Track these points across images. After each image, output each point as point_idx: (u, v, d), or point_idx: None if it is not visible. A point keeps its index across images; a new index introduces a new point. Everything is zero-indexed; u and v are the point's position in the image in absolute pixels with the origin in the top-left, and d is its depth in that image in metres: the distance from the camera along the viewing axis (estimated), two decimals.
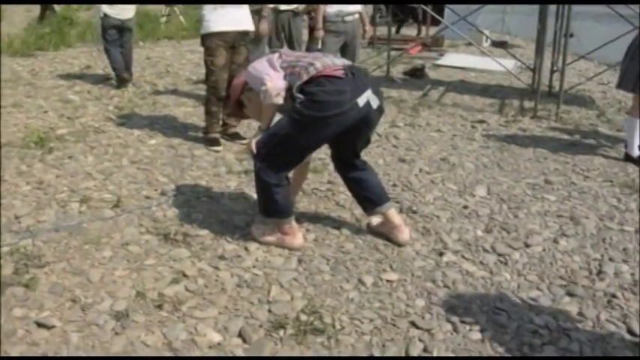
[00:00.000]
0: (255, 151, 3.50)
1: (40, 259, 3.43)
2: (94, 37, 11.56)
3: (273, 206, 3.58)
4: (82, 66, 9.83)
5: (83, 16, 15.41)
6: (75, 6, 17.03)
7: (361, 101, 3.33)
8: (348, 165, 3.77)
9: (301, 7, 7.22)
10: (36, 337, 2.79)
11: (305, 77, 3.30)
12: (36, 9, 16.14)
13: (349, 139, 3.56)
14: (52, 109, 6.80)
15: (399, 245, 3.64)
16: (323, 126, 3.34)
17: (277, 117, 3.55)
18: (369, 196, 3.76)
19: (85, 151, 5.33)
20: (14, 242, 3.65)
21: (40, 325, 2.88)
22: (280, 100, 3.37)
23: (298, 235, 3.65)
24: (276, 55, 3.54)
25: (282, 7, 7.09)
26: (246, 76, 3.62)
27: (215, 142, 5.49)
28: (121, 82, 8.09)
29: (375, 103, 3.42)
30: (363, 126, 3.48)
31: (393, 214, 3.78)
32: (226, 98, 4.30)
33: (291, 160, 3.57)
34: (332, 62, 3.41)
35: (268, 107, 3.47)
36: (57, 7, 15.50)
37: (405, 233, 3.72)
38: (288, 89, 3.35)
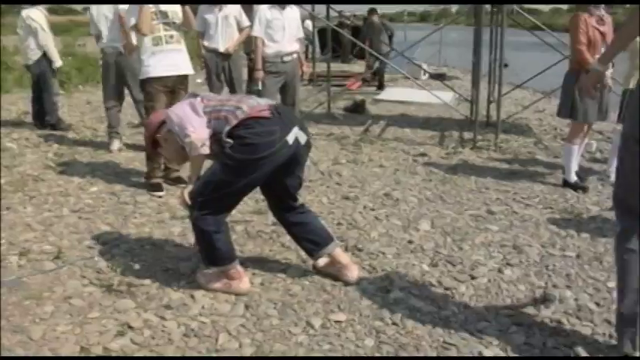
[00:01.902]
0: (189, 202, 3.48)
1: None
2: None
3: (216, 254, 3.55)
4: (20, 112, 9.63)
5: (19, 61, 15.15)
6: (11, 50, 16.74)
7: (290, 139, 3.37)
8: (287, 210, 3.76)
9: (233, 47, 7.25)
10: None
11: (234, 122, 3.31)
12: None
13: (280, 179, 3.55)
14: None
15: (348, 284, 3.64)
16: (256, 167, 3.35)
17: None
18: (312, 239, 3.76)
19: (24, 201, 5.20)
20: None
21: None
22: (207, 150, 3.37)
23: (244, 279, 3.62)
24: (198, 99, 3.52)
25: (221, 48, 7.13)
26: (166, 119, 3.55)
27: (157, 188, 5.43)
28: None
29: (302, 139, 3.47)
30: (293, 163, 3.50)
31: (339, 253, 3.80)
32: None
33: (229, 203, 3.55)
34: (257, 103, 3.43)
35: (195, 158, 3.47)
36: None
37: (353, 272, 3.73)
38: (213, 135, 3.36)
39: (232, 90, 7.28)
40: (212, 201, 3.43)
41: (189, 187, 3.51)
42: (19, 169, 6.18)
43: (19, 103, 10.54)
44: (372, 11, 13.01)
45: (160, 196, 5.34)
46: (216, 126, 3.36)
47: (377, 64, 12.58)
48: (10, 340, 3.12)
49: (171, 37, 5.36)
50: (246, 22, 7.23)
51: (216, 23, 7.12)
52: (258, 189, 3.71)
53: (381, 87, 12.52)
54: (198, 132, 3.33)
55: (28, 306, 3.46)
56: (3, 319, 3.32)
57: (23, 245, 4.29)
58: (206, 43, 7.30)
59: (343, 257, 3.80)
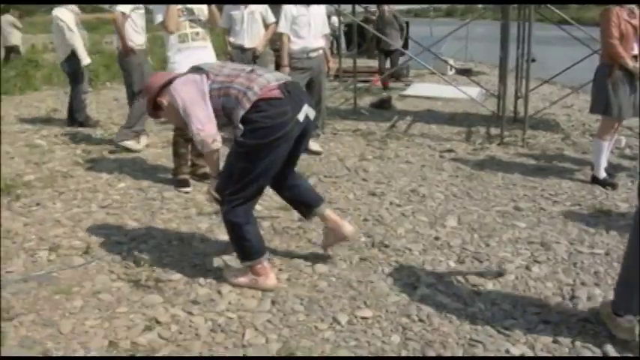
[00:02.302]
0: (218, 197, 3.52)
1: (9, 312, 3.37)
2: (61, 80, 11.52)
3: (247, 247, 3.57)
4: (49, 109, 9.76)
5: (49, 58, 15.36)
6: (40, 48, 17.01)
7: (301, 116, 3.41)
8: (285, 176, 3.78)
9: (262, 45, 7.29)
10: None
11: (247, 105, 3.30)
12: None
13: (290, 154, 3.56)
14: (18, 155, 6.74)
15: (372, 282, 3.64)
16: (271, 149, 3.37)
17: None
18: (305, 201, 3.85)
19: (54, 197, 5.27)
20: None
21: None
22: (218, 145, 3.43)
23: (271, 275, 3.63)
24: (204, 76, 3.47)
25: (247, 44, 7.17)
26: (169, 95, 3.51)
27: (184, 183, 5.47)
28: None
29: (312, 115, 3.51)
30: (301, 139, 3.55)
31: (330, 213, 3.92)
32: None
33: (254, 190, 3.54)
34: (267, 81, 3.37)
35: (210, 154, 3.51)
36: (22, 49, 15.46)
37: (347, 227, 3.88)
38: (222, 110, 3.39)
39: None
40: (238, 191, 3.46)
41: (214, 182, 3.56)
42: (49, 166, 6.26)
43: (48, 100, 10.69)
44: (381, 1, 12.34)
45: (186, 192, 5.37)
46: (225, 103, 3.37)
47: (388, 63, 12.35)
48: (41, 333, 3.17)
49: (197, 34, 5.40)
50: (271, 18, 7.26)
51: (242, 19, 7.19)
52: None
53: (397, 79, 12.22)
54: (206, 129, 3.36)
55: (57, 300, 3.51)
56: (33, 312, 3.37)
57: (53, 240, 4.35)
58: (232, 40, 7.37)
59: (334, 215, 3.94)
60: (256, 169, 3.40)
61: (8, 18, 15.38)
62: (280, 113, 3.32)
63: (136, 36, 6.74)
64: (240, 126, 3.32)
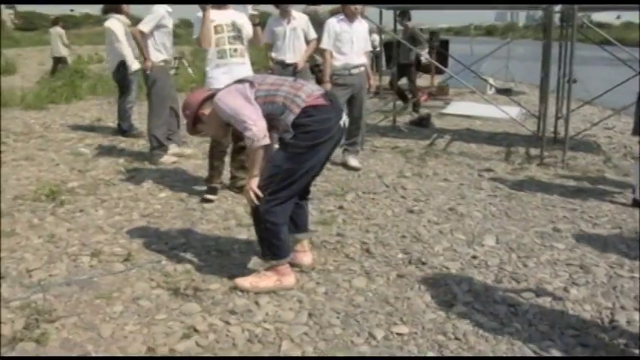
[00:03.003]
0: (259, 194, 3.58)
1: (51, 314, 3.45)
2: (105, 90, 11.76)
3: (279, 246, 3.72)
4: (93, 119, 9.98)
5: (94, 69, 15.68)
6: (86, 59, 17.35)
7: (342, 123, 3.68)
8: (306, 189, 3.99)
9: (303, 60, 7.36)
10: None
11: (297, 111, 3.49)
12: (49, 62, 16.45)
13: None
14: (63, 162, 6.89)
15: (408, 298, 3.64)
16: (316, 152, 3.58)
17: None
18: (298, 221, 3.98)
19: (96, 205, 5.38)
20: (25, 297, 3.68)
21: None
22: (267, 141, 3.52)
23: (292, 274, 3.81)
24: (247, 84, 3.62)
25: (288, 60, 7.24)
26: (216, 107, 3.64)
27: (212, 191, 5.55)
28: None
29: (346, 122, 3.77)
30: (335, 146, 3.77)
31: (306, 242, 4.12)
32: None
33: (295, 191, 3.70)
34: (311, 90, 3.62)
35: (257, 151, 3.55)
36: (69, 60, 15.79)
37: (309, 257, 4.08)
38: (267, 116, 3.52)
39: None
40: (279, 191, 3.59)
41: (255, 180, 3.61)
42: (92, 174, 6.39)
43: (93, 110, 10.92)
44: (403, 14, 11.03)
45: (211, 200, 5.46)
46: (270, 110, 3.54)
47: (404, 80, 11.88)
48: (82, 336, 3.24)
49: (236, 50, 5.47)
50: (313, 34, 7.33)
51: (284, 35, 7.26)
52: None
53: (404, 100, 11.47)
54: (258, 124, 3.47)
55: (98, 305, 3.58)
56: (75, 315, 3.45)
57: (95, 247, 4.44)
58: (274, 55, 7.44)
59: (306, 246, 4.09)
60: (301, 170, 3.57)
61: (58, 30, 15.76)
62: (326, 119, 3.57)
63: (155, 53, 6.74)
64: (291, 129, 3.49)
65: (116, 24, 8.05)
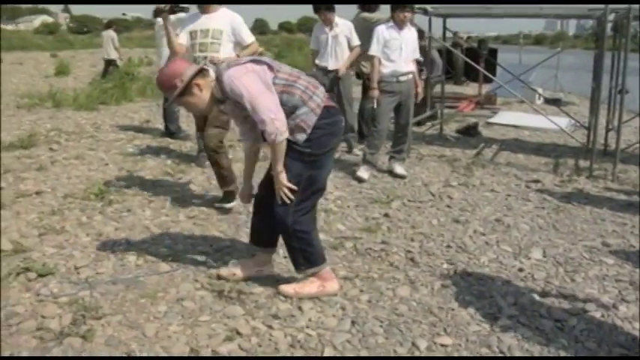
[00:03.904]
0: (293, 187, 3.48)
1: (97, 311, 3.51)
2: (154, 93, 11.94)
3: (314, 253, 3.69)
4: (142, 120, 10.15)
5: (143, 72, 15.94)
6: (136, 61, 17.65)
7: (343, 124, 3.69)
8: None
9: (344, 66, 7.35)
10: None
11: (319, 112, 3.43)
12: (100, 65, 16.80)
13: None
14: (112, 162, 7.02)
15: (453, 309, 3.60)
16: (330, 155, 3.63)
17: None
18: (271, 233, 3.92)
19: (143, 205, 5.46)
20: (73, 293, 3.75)
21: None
22: (287, 134, 3.36)
23: (335, 279, 3.80)
24: (265, 66, 3.40)
25: (331, 66, 7.26)
26: (229, 85, 3.33)
27: (231, 196, 5.42)
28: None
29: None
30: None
31: (272, 258, 4.10)
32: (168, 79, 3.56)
33: (318, 197, 3.72)
34: (322, 91, 3.55)
35: (279, 145, 3.36)
36: (119, 62, 16.09)
37: (271, 269, 4.06)
38: (283, 105, 3.35)
39: (341, 107, 7.36)
40: (305, 200, 3.56)
41: (283, 175, 3.45)
42: (140, 174, 6.49)
43: (142, 111, 11.10)
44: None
45: (230, 208, 5.37)
46: (286, 101, 3.37)
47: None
48: (126, 334, 3.29)
49: (205, 58, 5.11)
50: (356, 40, 7.32)
51: (327, 42, 7.32)
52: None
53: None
54: (279, 117, 3.28)
55: (143, 304, 3.63)
56: (120, 313, 3.50)
57: (141, 246, 4.50)
58: (317, 61, 7.50)
59: (270, 259, 4.08)
60: (321, 175, 3.57)
61: (110, 33, 16.07)
62: (338, 121, 3.56)
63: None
64: (308, 130, 3.40)
65: (158, 29, 8.15)
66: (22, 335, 3.30)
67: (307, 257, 3.68)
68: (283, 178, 3.45)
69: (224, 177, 5.40)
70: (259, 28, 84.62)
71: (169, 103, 3.50)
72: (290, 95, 3.36)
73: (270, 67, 3.40)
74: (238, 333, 3.31)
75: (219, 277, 3.92)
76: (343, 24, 7.36)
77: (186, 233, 4.77)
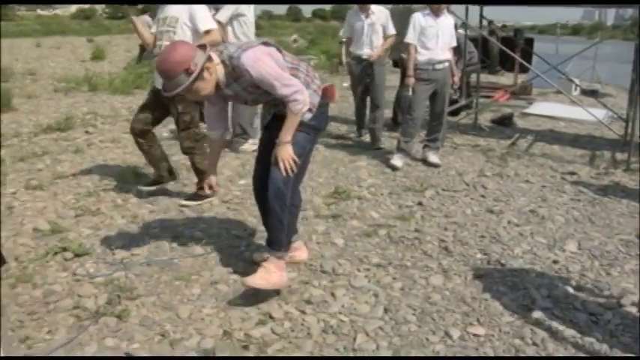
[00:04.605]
0: (297, 160, 3.43)
1: (132, 292, 3.57)
2: None
3: (290, 228, 3.71)
4: None
5: None
6: None
7: None
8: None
9: (377, 55, 7.24)
10: None
11: (320, 93, 3.53)
12: (135, 49, 16.94)
13: None
14: None
15: (486, 299, 3.58)
16: (318, 136, 3.70)
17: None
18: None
19: (178, 188, 5.50)
20: (108, 273, 3.82)
21: (129, 356, 2.99)
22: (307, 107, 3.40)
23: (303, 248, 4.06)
24: (274, 48, 3.42)
25: (365, 55, 7.18)
26: (249, 67, 3.23)
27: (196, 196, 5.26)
28: None
29: None
30: None
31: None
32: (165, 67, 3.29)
33: (304, 174, 3.81)
34: (317, 75, 3.64)
35: (297, 117, 3.37)
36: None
37: (304, 252, 4.08)
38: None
39: (373, 96, 7.34)
40: (301, 174, 3.65)
41: (290, 147, 3.40)
42: (174, 159, 6.52)
43: None
44: None
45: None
46: None
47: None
48: (160, 315, 3.34)
49: (161, 47, 4.90)
50: (392, 29, 7.21)
51: (362, 30, 7.21)
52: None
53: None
54: (304, 92, 3.33)
55: (177, 286, 3.68)
56: (154, 295, 3.55)
57: (175, 229, 4.55)
58: (352, 49, 7.41)
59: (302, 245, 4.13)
60: (310, 152, 3.69)
61: (145, 18, 16.17)
62: (327, 104, 3.62)
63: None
64: (314, 110, 3.46)
65: None
66: (59, 313, 3.37)
67: (288, 237, 3.70)
68: (290, 149, 3.40)
69: (200, 178, 5.14)
70: (293, 15, 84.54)
71: (183, 90, 3.19)
72: (296, 78, 3.40)
73: (279, 49, 3.46)
74: (271, 317, 3.33)
75: (254, 262, 3.92)
76: (380, 11, 7.26)
77: (220, 217, 4.81)
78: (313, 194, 5.48)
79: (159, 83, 4.77)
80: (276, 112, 3.56)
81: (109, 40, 29.75)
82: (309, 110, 3.43)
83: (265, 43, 3.40)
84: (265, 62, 3.26)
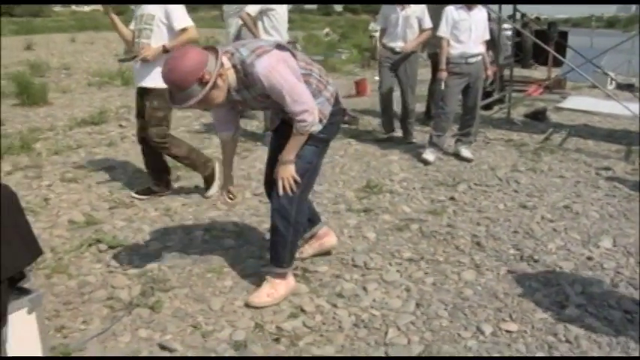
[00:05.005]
0: (298, 180, 3.30)
1: (165, 284, 3.61)
2: None
3: (293, 253, 3.56)
4: None
5: None
6: (203, 41, 17.75)
7: None
8: None
9: (411, 48, 7.07)
10: None
11: (333, 101, 3.34)
12: None
13: None
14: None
15: (519, 295, 3.55)
16: (328, 146, 3.52)
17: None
18: (310, 217, 3.86)
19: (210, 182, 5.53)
20: (142, 265, 3.86)
21: (162, 347, 3.03)
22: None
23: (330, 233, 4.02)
24: (289, 53, 3.17)
25: (399, 48, 7.06)
26: (264, 75, 2.99)
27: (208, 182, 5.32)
28: None
29: None
30: None
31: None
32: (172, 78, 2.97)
33: (312, 187, 3.60)
34: (331, 80, 3.42)
35: (305, 136, 3.22)
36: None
37: (332, 237, 4.03)
38: None
39: (404, 90, 7.22)
40: (307, 189, 3.45)
41: (292, 167, 3.28)
42: (207, 152, 6.56)
43: None
44: None
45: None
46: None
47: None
48: (193, 307, 3.37)
49: (138, 45, 4.86)
50: (428, 23, 7.09)
51: (397, 22, 7.06)
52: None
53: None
54: (314, 112, 3.14)
55: (209, 278, 3.71)
56: (187, 286, 3.60)
57: (208, 222, 4.58)
58: (385, 41, 7.26)
59: (329, 231, 4.06)
60: (319, 165, 3.50)
61: None
62: (340, 110, 3.45)
63: (264, 36, 6.67)
64: (324, 120, 3.27)
65: (226, 9, 8.20)
66: (93, 304, 3.43)
67: (293, 253, 3.53)
68: (292, 168, 3.28)
69: (191, 165, 5.24)
70: (324, 9, 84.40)
71: (197, 102, 2.90)
72: (308, 85, 3.19)
73: (293, 54, 3.21)
74: (303, 310, 3.34)
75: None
76: (416, 4, 7.12)
77: (252, 210, 4.83)
78: (345, 188, 5.48)
79: (148, 81, 4.81)
80: (285, 117, 3.34)
81: None
82: (320, 121, 3.22)
83: (279, 47, 3.15)
84: (280, 72, 3.01)
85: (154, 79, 4.66)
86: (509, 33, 10.85)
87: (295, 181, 3.28)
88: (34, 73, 12.70)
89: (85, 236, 4.32)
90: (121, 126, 8.05)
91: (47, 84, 10.72)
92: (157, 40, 4.77)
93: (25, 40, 23.25)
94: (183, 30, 4.76)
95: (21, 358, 2.50)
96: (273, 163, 3.48)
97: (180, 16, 4.77)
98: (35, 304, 2.33)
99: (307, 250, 3.97)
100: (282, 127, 3.39)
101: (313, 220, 3.91)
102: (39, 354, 2.39)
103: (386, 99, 7.34)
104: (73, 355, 2.96)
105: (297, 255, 3.66)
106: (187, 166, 5.28)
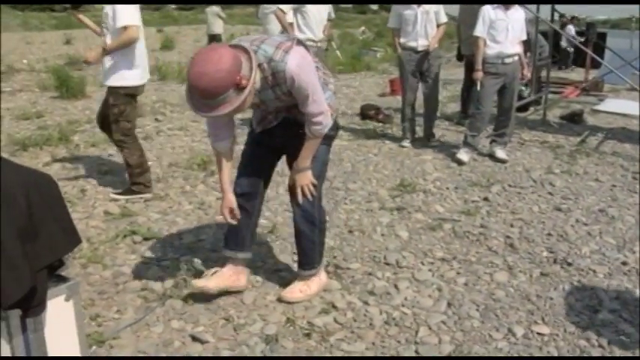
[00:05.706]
0: (316, 183, 3.28)
1: (200, 276, 3.63)
2: None
3: (324, 247, 3.57)
4: None
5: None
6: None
7: None
8: None
9: (434, 46, 6.88)
10: (190, 350, 2.99)
11: (335, 93, 3.33)
12: (203, 40, 17.23)
13: None
14: None
15: (552, 298, 3.52)
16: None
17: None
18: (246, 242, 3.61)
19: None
20: (175, 257, 3.90)
21: (194, 338, 3.07)
22: None
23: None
24: (304, 47, 2.98)
25: (421, 46, 6.85)
26: (297, 74, 2.82)
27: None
28: None
29: None
30: None
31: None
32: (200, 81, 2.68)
33: (324, 182, 3.51)
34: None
35: (319, 139, 3.15)
36: (223, 38, 16.49)
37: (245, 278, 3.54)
38: None
39: (427, 91, 7.10)
40: (322, 186, 3.42)
41: (310, 173, 3.23)
42: (240, 147, 6.59)
43: None
44: None
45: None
46: None
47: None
48: (225, 300, 3.41)
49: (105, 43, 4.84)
50: (443, 17, 6.84)
51: (415, 20, 6.79)
52: None
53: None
54: (328, 115, 3.08)
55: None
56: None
57: None
58: (402, 41, 6.96)
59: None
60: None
61: (214, 9, 16.39)
62: (336, 109, 3.38)
63: (297, 33, 6.68)
64: (335, 115, 3.26)
65: (264, 6, 8.27)
66: (127, 294, 3.49)
67: (321, 251, 3.51)
68: (310, 174, 3.22)
69: (131, 175, 5.12)
70: (359, 7, 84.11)
71: (235, 110, 2.69)
72: (316, 76, 3.04)
73: (306, 47, 3.03)
74: (334, 307, 3.36)
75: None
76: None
77: (285, 206, 4.85)
78: (378, 186, 5.49)
79: (105, 80, 4.85)
80: (286, 116, 3.18)
81: (177, 30, 30.36)
82: (330, 115, 3.13)
83: (301, 43, 2.96)
84: (308, 70, 2.88)
85: (107, 78, 4.82)
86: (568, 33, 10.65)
87: (314, 185, 3.26)
88: (71, 67, 12.91)
89: (120, 228, 4.39)
90: (156, 120, 8.15)
91: (85, 77, 10.88)
92: (110, 38, 4.78)
93: (65, 35, 23.67)
94: (124, 28, 4.68)
95: (28, 358, 2.32)
96: (258, 170, 3.49)
97: (124, 14, 4.67)
98: (73, 291, 2.37)
99: (219, 279, 3.41)
100: (279, 129, 3.26)
101: (251, 243, 3.54)
102: (75, 340, 2.43)
103: (410, 106, 7.16)
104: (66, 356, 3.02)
105: (202, 285, 3.35)
106: (128, 170, 5.15)
